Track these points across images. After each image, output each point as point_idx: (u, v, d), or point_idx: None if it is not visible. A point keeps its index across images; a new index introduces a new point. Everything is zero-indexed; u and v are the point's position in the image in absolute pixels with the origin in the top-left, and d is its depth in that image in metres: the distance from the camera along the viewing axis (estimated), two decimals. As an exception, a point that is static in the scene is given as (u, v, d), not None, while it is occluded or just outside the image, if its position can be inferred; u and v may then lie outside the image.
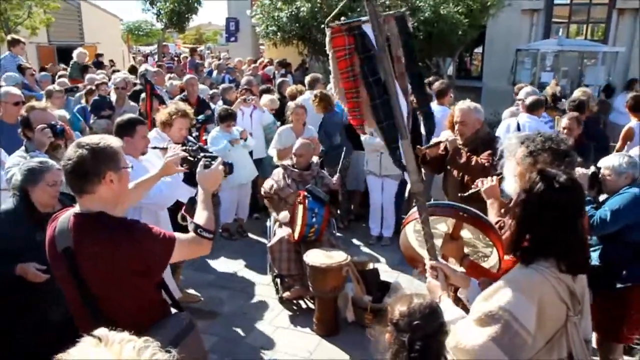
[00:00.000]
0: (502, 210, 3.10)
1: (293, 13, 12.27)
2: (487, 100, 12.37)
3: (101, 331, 1.21)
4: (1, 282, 3.02)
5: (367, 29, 2.36)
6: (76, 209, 2.18)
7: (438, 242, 2.44)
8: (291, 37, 13.19)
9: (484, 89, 14.77)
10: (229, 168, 2.56)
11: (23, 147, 3.82)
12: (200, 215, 2.32)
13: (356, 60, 2.38)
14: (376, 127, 2.40)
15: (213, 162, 2.46)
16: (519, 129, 5.41)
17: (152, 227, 2.19)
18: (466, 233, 2.48)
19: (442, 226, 2.54)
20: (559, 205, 1.82)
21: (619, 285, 3.33)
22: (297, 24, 12.40)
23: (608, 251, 3.43)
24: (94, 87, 7.66)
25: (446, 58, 14.04)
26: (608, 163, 3.48)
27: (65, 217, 2.18)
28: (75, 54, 10.72)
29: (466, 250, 2.46)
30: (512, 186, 2.58)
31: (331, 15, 2.60)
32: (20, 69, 8.24)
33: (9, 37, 9.15)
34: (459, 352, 1.86)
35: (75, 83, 9.33)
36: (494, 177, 2.90)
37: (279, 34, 13.18)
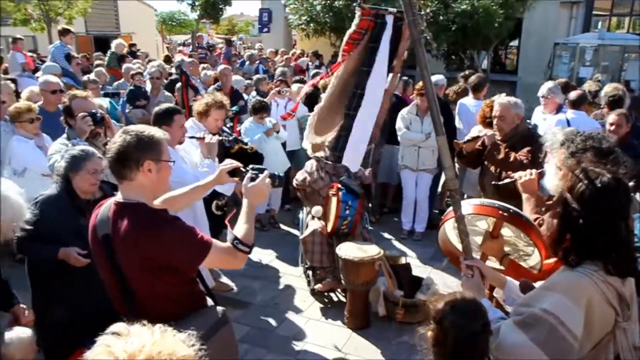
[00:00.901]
0: (543, 208, 3.04)
1: (327, 3, 12.24)
2: (522, 95, 12.04)
3: (119, 326, 1.23)
4: (44, 265, 3.12)
5: (389, 20, 2.36)
6: (117, 197, 2.22)
7: (479, 239, 2.40)
8: (324, 29, 13.17)
9: (519, 83, 14.47)
10: (278, 180, 2.48)
11: (65, 135, 3.92)
12: (241, 228, 2.27)
13: (359, 50, 2.39)
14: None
15: (260, 175, 2.38)
16: (568, 125, 5.25)
17: (191, 228, 2.16)
18: (506, 231, 2.43)
19: (483, 224, 2.50)
20: (603, 205, 1.75)
21: None
22: (331, 14, 12.38)
23: None
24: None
25: (481, 51, 13.80)
26: None
27: (107, 205, 2.22)
28: (113, 44, 10.97)
29: (506, 248, 2.41)
30: (552, 183, 2.52)
31: None
32: (68, 58, 8.45)
33: (59, 27, 9.40)
34: (500, 353, 1.82)
35: (112, 72, 9.53)
36: (533, 171, 2.81)
37: (312, 25, 13.18)
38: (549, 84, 5.96)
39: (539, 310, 1.76)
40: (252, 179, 2.37)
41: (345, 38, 2.43)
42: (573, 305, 1.72)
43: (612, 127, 4.64)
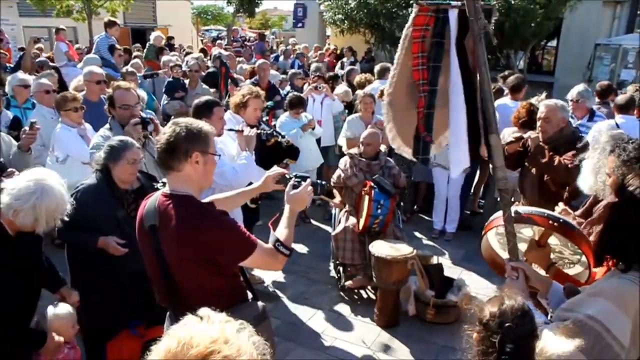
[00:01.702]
0: (581, 212, 2.98)
1: (362, 0, 12.19)
2: (558, 97, 11.83)
3: (204, 311, 1.26)
4: (83, 252, 3.21)
5: (452, 14, 2.30)
6: (165, 189, 2.26)
7: (522, 246, 2.36)
8: (358, 25, 13.12)
9: (556, 84, 14.14)
10: (320, 188, 2.51)
11: (107, 125, 4.01)
12: (282, 232, 2.31)
13: (426, 47, 2.35)
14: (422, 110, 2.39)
15: (302, 183, 2.43)
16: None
17: (238, 226, 2.20)
18: (553, 239, 2.38)
19: (527, 231, 2.45)
20: None
21: None
22: (365, 11, 12.32)
23: None
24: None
25: (518, 51, 13.54)
26: None
27: (155, 196, 2.27)
28: (152, 36, 11.15)
29: (552, 256, 2.37)
30: (589, 183, 2.46)
31: None
32: (111, 50, 8.63)
33: (105, 19, 9.61)
34: (543, 358, 1.80)
35: (150, 64, 9.70)
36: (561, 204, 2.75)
37: (346, 21, 13.15)
38: (579, 87, 5.67)
39: (584, 316, 1.73)
40: (295, 187, 2.41)
41: (405, 37, 2.38)
42: (620, 312, 1.69)
43: None
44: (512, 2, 10.96)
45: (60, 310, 2.84)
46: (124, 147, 3.20)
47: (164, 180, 2.47)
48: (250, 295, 2.43)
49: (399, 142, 2.62)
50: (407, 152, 2.68)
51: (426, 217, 6.79)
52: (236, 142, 4.11)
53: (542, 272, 2.31)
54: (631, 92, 6.52)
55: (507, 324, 1.68)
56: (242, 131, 4.01)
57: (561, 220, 2.23)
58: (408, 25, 2.34)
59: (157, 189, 2.44)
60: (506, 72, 7.60)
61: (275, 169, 2.68)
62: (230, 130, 4.10)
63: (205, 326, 1.20)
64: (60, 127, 4.71)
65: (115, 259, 3.07)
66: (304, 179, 2.45)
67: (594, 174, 2.41)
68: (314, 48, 14.94)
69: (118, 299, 3.06)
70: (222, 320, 1.24)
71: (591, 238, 2.31)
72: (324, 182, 2.58)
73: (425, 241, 6.21)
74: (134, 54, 10.75)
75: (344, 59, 13.06)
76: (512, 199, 5.38)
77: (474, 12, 2.16)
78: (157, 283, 2.28)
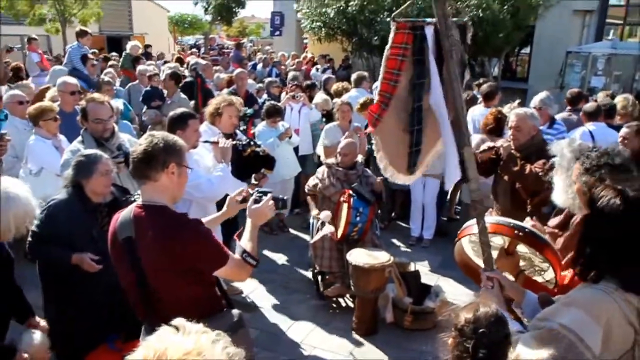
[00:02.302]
0: (557, 223, 3.04)
1: (341, 8, 12.28)
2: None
3: (179, 321, 1.27)
4: (57, 268, 3.16)
5: (429, 31, 2.36)
6: (139, 200, 2.27)
7: (494, 253, 2.42)
8: (336, 33, 13.21)
9: (530, 91, 14.41)
10: (281, 203, 2.59)
11: (80, 137, 3.96)
12: (247, 244, 2.39)
13: (406, 66, 2.39)
14: (404, 129, 2.44)
15: (264, 197, 2.52)
16: (592, 138, 5.20)
17: (212, 234, 2.26)
18: (522, 247, 2.44)
19: (498, 239, 2.51)
20: (624, 220, 1.77)
21: None
22: (344, 19, 12.42)
23: None
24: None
25: (492, 58, 13.79)
26: None
27: (128, 209, 2.28)
28: (128, 46, 11.08)
29: (522, 263, 2.43)
30: (563, 197, 2.53)
31: (399, 10, 2.58)
32: (83, 60, 8.53)
33: (77, 29, 9.49)
34: None
35: (126, 74, 9.62)
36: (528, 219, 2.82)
37: (324, 29, 13.22)
38: (542, 95, 5.69)
39: (558, 326, 1.77)
40: (256, 201, 2.51)
41: (385, 55, 2.44)
42: (592, 321, 1.72)
43: (621, 140, 4.63)
44: (481, 14, 11.21)
45: (33, 336, 2.78)
46: (95, 161, 3.15)
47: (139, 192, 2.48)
48: (225, 304, 2.45)
49: (392, 170, 2.67)
50: (401, 179, 2.74)
51: (403, 225, 6.85)
52: (212, 154, 4.11)
53: (512, 279, 2.37)
54: (602, 98, 6.72)
55: (480, 330, 1.72)
56: (218, 143, 4.01)
57: (527, 230, 2.30)
58: (388, 46, 2.38)
59: (133, 201, 2.44)
60: (480, 80, 7.76)
61: (239, 191, 2.76)
62: (206, 142, 4.10)
63: (180, 337, 1.22)
64: (34, 139, 4.64)
65: (89, 274, 3.03)
66: (265, 193, 2.55)
67: (565, 191, 2.49)
68: (291, 56, 14.99)
69: (93, 313, 3.02)
70: (198, 331, 1.25)
71: (558, 246, 2.38)
72: (285, 197, 2.68)
73: (403, 248, 6.27)
74: (109, 63, 10.65)
75: (318, 66, 13.15)
76: (486, 205, 5.48)
77: (444, 29, 2.22)
78: (133, 295, 2.27)
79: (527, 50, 15.89)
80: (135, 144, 2.41)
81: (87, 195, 3.16)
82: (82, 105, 4.01)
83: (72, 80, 5.64)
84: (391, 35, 2.37)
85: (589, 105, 5.66)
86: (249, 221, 2.48)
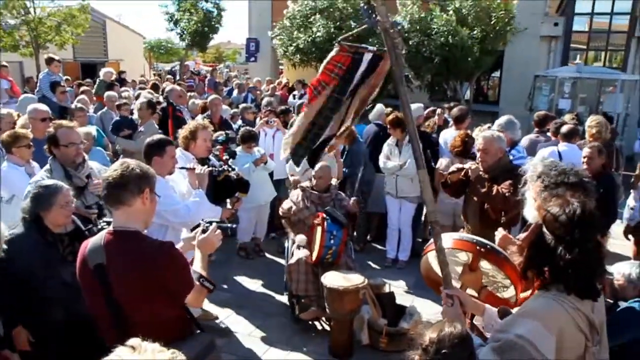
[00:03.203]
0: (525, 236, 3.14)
1: (310, 38, 12.54)
2: (504, 125, 12.39)
3: (134, 341, 1.30)
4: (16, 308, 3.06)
5: (367, 57, 2.52)
6: (109, 228, 2.29)
7: (460, 268, 2.49)
8: (310, 59, 13.44)
9: (500, 114, 14.72)
10: (229, 230, 2.78)
11: (47, 166, 3.93)
12: (201, 271, 2.48)
13: (334, 83, 2.57)
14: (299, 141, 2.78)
15: (210, 227, 2.65)
16: (560, 157, 5.37)
17: (184, 260, 2.33)
18: (486, 264, 2.53)
19: (463, 255, 2.59)
20: (573, 231, 1.86)
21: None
22: (313, 48, 12.68)
23: None
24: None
25: (463, 82, 14.15)
26: (621, 270, 3.30)
27: (98, 236, 2.30)
28: (102, 72, 11.07)
29: (485, 280, 2.51)
30: (532, 214, 2.63)
31: (345, 36, 2.70)
32: (52, 87, 8.47)
33: (45, 56, 9.45)
34: None
35: (100, 100, 9.58)
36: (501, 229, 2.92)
37: (298, 55, 13.44)
38: (503, 119, 5.67)
39: (514, 336, 1.85)
40: (204, 231, 2.64)
41: (321, 68, 2.61)
42: (545, 330, 1.82)
43: (585, 160, 4.80)
44: (450, 40, 11.58)
45: None
46: (54, 192, 3.07)
47: (107, 219, 2.51)
48: (196, 328, 2.48)
49: (286, 147, 2.88)
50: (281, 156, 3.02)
51: (379, 247, 6.92)
52: (187, 180, 4.13)
53: (475, 294, 2.44)
54: (567, 120, 6.96)
55: (443, 350, 1.77)
56: (194, 169, 4.04)
57: (488, 246, 2.38)
58: (326, 60, 2.54)
59: (102, 229, 2.46)
60: (451, 104, 7.95)
61: (204, 228, 2.79)
62: (182, 168, 4.12)
63: (136, 356, 1.24)
64: (6, 166, 4.59)
65: (54, 302, 2.94)
66: (211, 223, 2.69)
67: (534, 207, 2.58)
68: (266, 81, 15.13)
69: (60, 343, 2.96)
70: (154, 350, 1.28)
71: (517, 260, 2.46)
72: (234, 225, 2.89)
73: (379, 270, 6.31)
74: (82, 89, 10.59)
75: (295, 92, 13.29)
76: (457, 224, 5.59)
77: (395, 60, 2.33)
78: (104, 321, 2.27)
79: (497, 74, 16.35)
80: (105, 171, 2.45)
81: (46, 226, 3.08)
82: (50, 133, 3.97)
83: (43, 107, 5.61)
84: (332, 53, 2.53)
85: (566, 127, 5.89)
86: (197, 251, 2.60)
